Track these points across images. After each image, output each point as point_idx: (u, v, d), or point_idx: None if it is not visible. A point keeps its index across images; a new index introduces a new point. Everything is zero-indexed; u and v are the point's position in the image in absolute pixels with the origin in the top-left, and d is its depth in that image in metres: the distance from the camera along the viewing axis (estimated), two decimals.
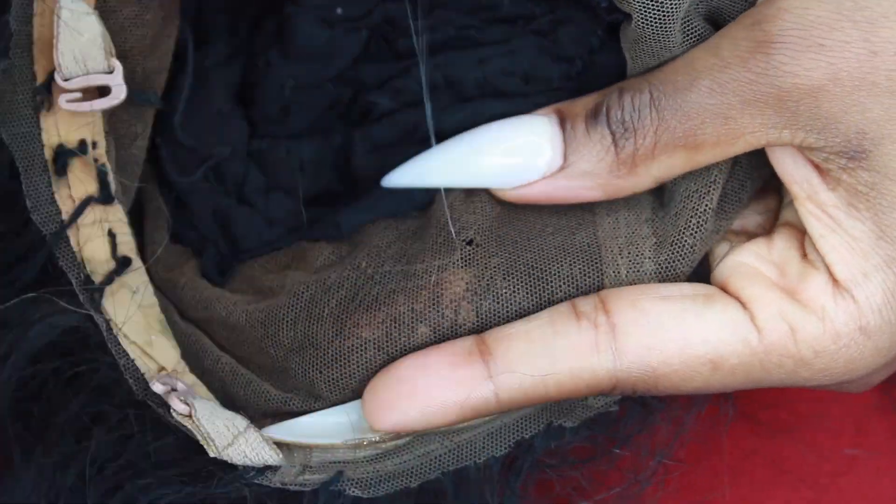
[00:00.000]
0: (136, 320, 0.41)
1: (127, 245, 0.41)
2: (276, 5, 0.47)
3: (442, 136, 0.44)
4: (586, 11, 0.44)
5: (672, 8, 0.38)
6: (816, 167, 0.36)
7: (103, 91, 0.40)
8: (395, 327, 0.39)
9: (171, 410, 0.39)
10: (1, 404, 0.41)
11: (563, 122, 0.38)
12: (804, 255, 0.38)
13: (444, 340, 0.38)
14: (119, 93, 0.40)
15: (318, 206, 0.45)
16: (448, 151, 0.39)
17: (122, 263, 0.41)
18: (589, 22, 0.44)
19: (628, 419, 0.43)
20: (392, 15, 0.45)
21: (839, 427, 0.47)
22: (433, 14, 0.45)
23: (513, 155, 0.38)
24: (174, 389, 0.40)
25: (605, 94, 0.37)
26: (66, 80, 0.39)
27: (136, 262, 0.41)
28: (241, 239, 0.45)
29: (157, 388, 0.39)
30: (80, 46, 0.39)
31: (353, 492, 0.40)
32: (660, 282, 0.39)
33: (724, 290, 0.38)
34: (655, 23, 0.38)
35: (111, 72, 0.39)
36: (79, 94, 0.39)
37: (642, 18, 0.38)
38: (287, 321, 0.40)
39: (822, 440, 0.47)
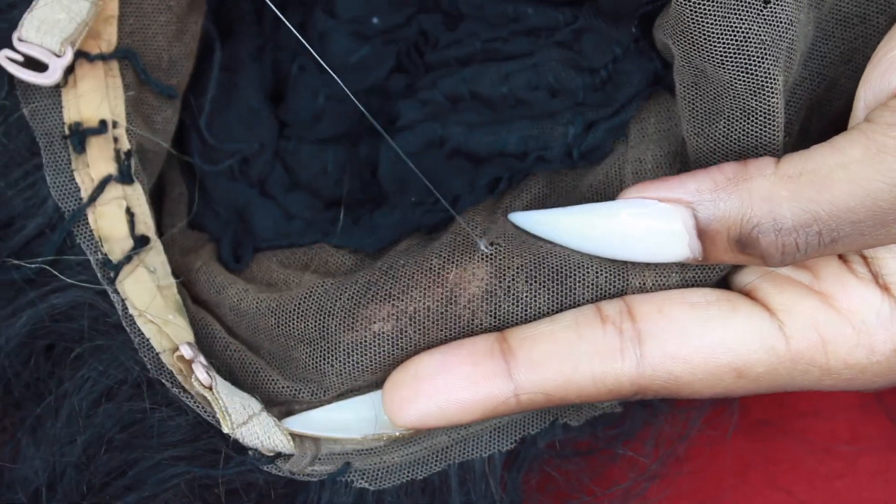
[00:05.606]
0: (153, 299, 0.40)
1: (145, 224, 0.41)
2: None
3: (471, 156, 0.44)
4: (608, 18, 0.43)
5: None
6: None
7: (43, 67, 0.39)
8: (409, 324, 0.38)
9: (193, 378, 0.38)
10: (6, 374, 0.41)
11: (700, 233, 0.36)
12: (842, 259, 0.37)
13: (458, 338, 0.38)
14: (51, 76, 0.39)
15: (339, 210, 0.45)
16: (584, 213, 0.38)
17: (140, 242, 0.40)
18: (611, 29, 0.43)
19: (632, 419, 0.44)
20: (425, 27, 0.45)
21: (833, 429, 0.47)
22: (460, 27, 0.44)
23: (649, 241, 0.37)
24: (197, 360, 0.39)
25: (747, 217, 0.35)
26: (20, 40, 0.39)
27: (154, 242, 0.41)
28: (258, 228, 0.44)
29: (186, 351, 0.39)
30: (51, 21, 0.39)
31: (361, 483, 0.39)
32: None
33: (750, 295, 0.37)
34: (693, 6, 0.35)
35: (60, 56, 0.39)
36: (20, 58, 0.39)
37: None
38: (298, 312, 0.40)
39: (815, 442, 0.47)
